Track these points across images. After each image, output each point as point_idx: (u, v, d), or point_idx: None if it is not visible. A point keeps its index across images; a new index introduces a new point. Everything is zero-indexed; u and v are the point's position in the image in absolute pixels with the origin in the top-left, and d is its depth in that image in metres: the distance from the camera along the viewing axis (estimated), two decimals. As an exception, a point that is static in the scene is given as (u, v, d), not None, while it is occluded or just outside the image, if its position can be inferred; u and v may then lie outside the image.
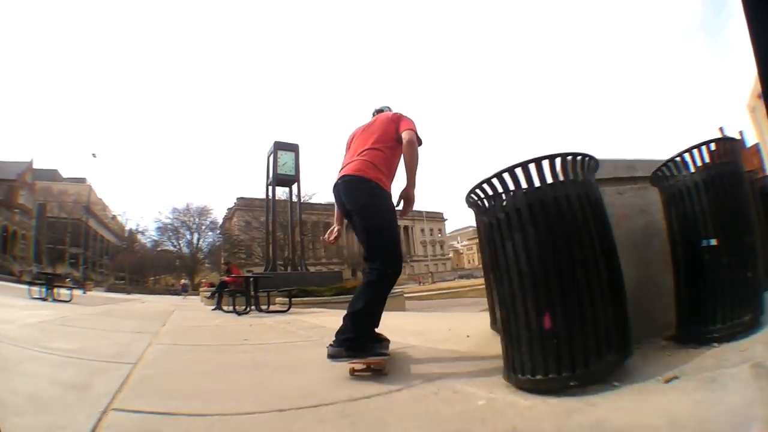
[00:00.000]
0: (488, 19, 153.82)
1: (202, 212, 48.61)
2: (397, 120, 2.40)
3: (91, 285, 37.38)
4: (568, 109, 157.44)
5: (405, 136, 2.27)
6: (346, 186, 2.27)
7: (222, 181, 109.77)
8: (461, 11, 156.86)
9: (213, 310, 7.97)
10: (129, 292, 30.55)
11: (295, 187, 15.51)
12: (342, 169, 2.38)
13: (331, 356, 1.98)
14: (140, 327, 4.41)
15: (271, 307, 7.49)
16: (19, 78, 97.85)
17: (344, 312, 2.10)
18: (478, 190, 1.70)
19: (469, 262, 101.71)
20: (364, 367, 1.96)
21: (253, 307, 7.06)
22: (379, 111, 2.69)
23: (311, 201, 42.57)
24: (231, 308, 7.48)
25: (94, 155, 50.90)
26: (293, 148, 14.92)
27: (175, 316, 6.70)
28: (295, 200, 15.63)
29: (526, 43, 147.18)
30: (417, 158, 2.27)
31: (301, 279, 11.46)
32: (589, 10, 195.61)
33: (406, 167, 2.27)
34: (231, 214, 52.63)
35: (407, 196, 2.26)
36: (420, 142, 2.32)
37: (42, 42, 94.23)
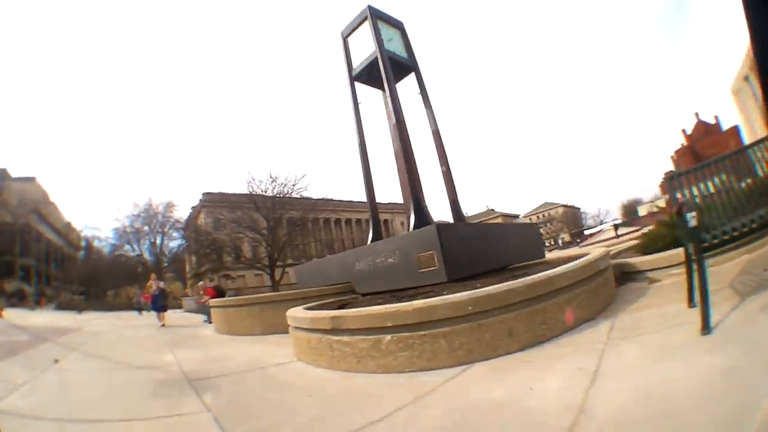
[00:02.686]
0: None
1: (168, 207, 42.29)
2: None
3: (43, 301, 34.02)
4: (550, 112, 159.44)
5: None
6: None
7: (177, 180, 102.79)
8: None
9: None
10: (81, 310, 27.66)
11: (403, 84, 9.36)
12: None
13: None
14: None
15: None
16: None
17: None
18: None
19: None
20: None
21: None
22: None
23: (294, 195, 37.43)
24: None
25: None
26: (398, 25, 9.59)
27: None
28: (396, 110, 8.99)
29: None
30: None
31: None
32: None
33: None
34: (196, 212, 46.25)
35: None
36: None
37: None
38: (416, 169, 8.34)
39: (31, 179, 45.01)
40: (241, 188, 37.36)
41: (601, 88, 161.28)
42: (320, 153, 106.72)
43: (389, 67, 8.55)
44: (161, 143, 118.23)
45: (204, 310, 13.86)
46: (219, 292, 12.63)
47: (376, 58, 8.61)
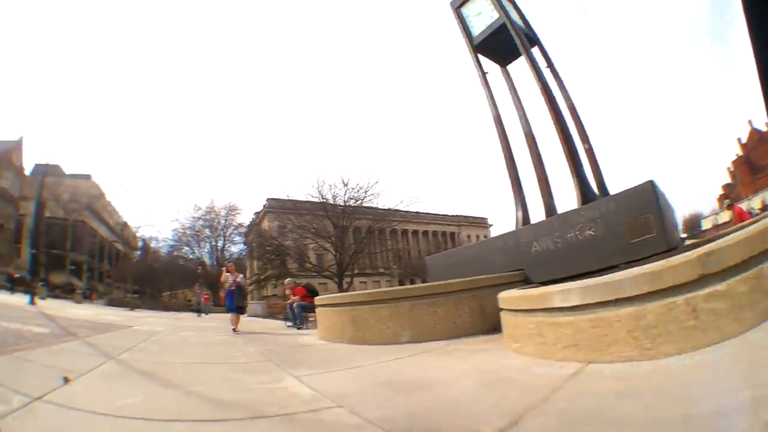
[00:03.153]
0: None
1: (231, 210, 41.22)
2: None
3: (95, 296, 33.59)
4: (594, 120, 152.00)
5: None
6: None
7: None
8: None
9: None
10: (133, 308, 26.53)
11: (518, 63, 8.48)
12: None
13: None
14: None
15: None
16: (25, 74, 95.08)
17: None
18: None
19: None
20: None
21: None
22: None
23: (365, 202, 35.86)
24: None
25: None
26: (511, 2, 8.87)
27: None
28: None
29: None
30: None
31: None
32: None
33: None
34: (260, 217, 44.83)
35: None
36: None
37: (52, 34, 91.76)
38: (572, 141, 7.42)
39: (87, 176, 45.43)
40: (308, 194, 35.24)
41: (649, 100, 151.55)
42: (388, 164, 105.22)
43: (522, 32, 7.98)
44: (224, 147, 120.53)
45: (282, 314, 11.73)
46: (311, 292, 10.30)
47: (502, 25, 8.07)
